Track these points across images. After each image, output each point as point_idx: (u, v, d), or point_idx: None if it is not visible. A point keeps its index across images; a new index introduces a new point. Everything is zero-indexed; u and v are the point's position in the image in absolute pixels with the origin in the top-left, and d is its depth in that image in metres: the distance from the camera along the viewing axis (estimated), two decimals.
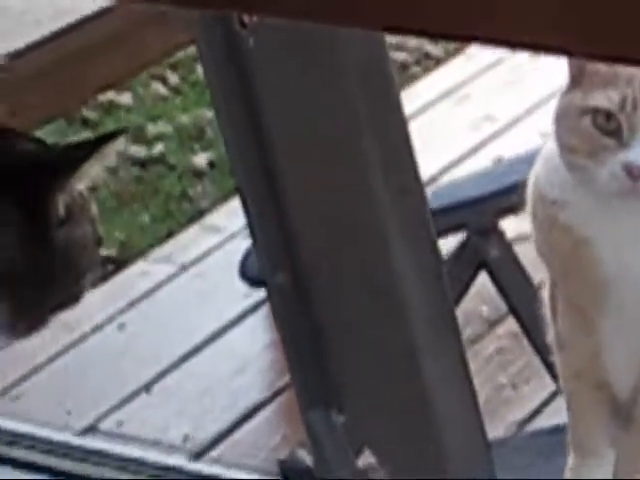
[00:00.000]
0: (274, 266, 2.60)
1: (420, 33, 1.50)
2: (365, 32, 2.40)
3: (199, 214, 4.74)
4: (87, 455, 2.03)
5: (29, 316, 1.64)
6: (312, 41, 2.48)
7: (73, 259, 1.65)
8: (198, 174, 5.04)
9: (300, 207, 2.60)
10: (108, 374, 3.97)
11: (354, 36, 2.45)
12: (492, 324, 3.83)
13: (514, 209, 2.79)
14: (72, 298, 1.67)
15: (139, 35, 3.55)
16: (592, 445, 2.53)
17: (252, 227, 2.61)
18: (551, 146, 2.37)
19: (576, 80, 2.27)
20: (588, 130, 2.24)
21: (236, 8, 1.92)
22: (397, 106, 2.64)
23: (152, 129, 5.25)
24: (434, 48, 5.51)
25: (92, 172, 1.63)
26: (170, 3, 1.58)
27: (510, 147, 4.36)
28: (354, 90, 2.54)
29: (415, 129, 2.69)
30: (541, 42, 1.40)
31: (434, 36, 1.87)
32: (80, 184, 1.63)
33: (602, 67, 2.22)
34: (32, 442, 2.09)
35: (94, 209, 1.70)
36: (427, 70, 5.48)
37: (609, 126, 2.22)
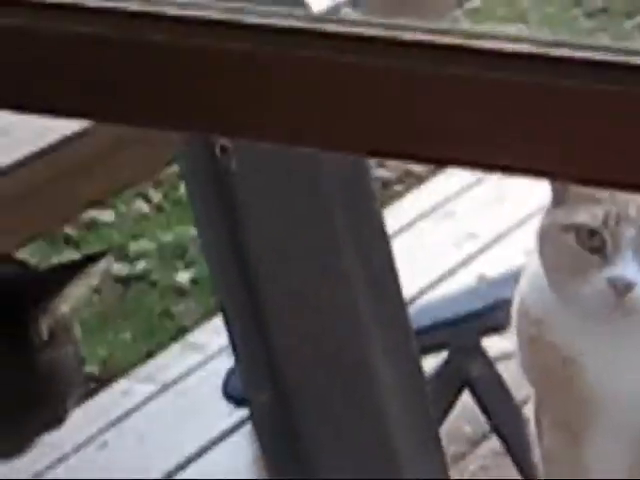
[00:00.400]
0: (257, 385, 2.65)
1: (404, 157, 1.56)
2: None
3: (181, 332, 4.74)
4: None
5: (14, 440, 1.63)
6: (293, 161, 2.54)
7: (57, 381, 1.63)
8: (180, 292, 5.05)
9: (282, 324, 2.62)
10: None
11: (335, 155, 2.48)
12: (475, 443, 3.77)
13: (497, 328, 2.87)
14: (56, 420, 1.66)
15: (121, 154, 3.52)
16: None
17: (234, 345, 2.70)
18: (535, 264, 2.42)
19: (558, 198, 2.31)
20: (572, 247, 2.28)
21: (214, 131, 1.96)
22: (379, 224, 2.72)
23: (134, 247, 5.28)
24: (416, 166, 5.45)
25: (76, 294, 1.62)
26: (151, 126, 1.66)
27: (493, 265, 4.37)
28: (335, 209, 2.60)
29: (398, 247, 2.76)
30: (523, 166, 1.43)
31: (419, 160, 1.91)
32: (64, 306, 1.62)
33: (582, 191, 2.27)
34: None
35: (77, 329, 1.69)
36: (409, 188, 5.49)
37: (593, 243, 2.25)
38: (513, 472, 3.26)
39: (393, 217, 4.60)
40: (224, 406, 3.43)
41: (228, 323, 2.69)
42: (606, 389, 2.38)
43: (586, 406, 2.43)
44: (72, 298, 1.62)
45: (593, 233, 2.24)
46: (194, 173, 2.70)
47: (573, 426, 2.48)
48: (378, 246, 2.66)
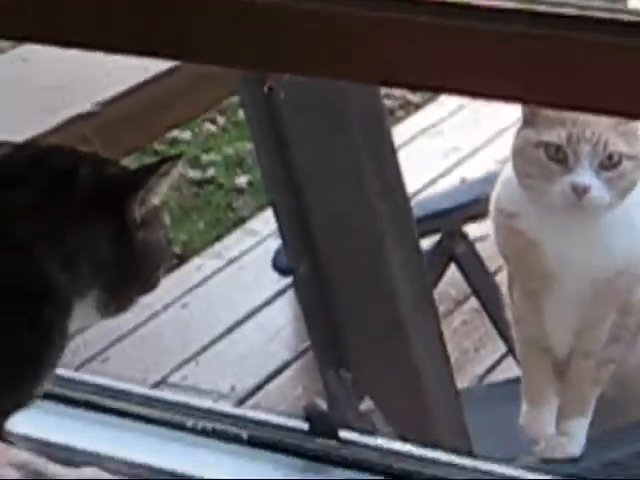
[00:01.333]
0: (298, 259, 2.60)
1: (406, 86, 1.53)
2: (365, 86, 2.45)
3: (241, 221, 4.83)
4: (158, 403, 1.99)
5: (118, 301, 1.57)
6: (326, 94, 2.48)
7: (151, 256, 1.58)
8: (240, 191, 5.12)
9: (317, 216, 2.58)
10: (174, 341, 4.02)
11: (357, 88, 2.48)
12: (459, 303, 3.88)
13: (475, 217, 2.90)
14: (151, 286, 1.59)
15: (197, 88, 3.54)
16: (540, 395, 2.50)
17: (281, 229, 2.66)
18: (508, 171, 2.36)
19: (528, 120, 2.25)
20: (541, 159, 2.21)
21: (265, 69, 1.95)
22: (390, 141, 2.68)
23: (205, 158, 5.34)
24: (414, 97, 5.59)
25: (159, 187, 1.55)
26: (217, 64, 1.64)
27: (473, 171, 4.41)
28: (356, 130, 2.55)
29: (400, 158, 2.71)
30: (498, 93, 1.43)
31: (416, 88, 1.82)
32: (153, 199, 1.55)
33: (552, 116, 2.22)
34: (116, 394, 2.03)
35: (165, 218, 1.62)
36: (408, 113, 5.57)
37: (558, 156, 2.19)
38: (488, 325, 3.27)
39: (396, 135, 4.59)
40: (273, 276, 3.41)
41: (276, 213, 2.65)
42: (562, 266, 2.34)
43: (546, 280, 2.38)
44: (156, 191, 1.55)
45: (558, 148, 2.18)
46: (250, 102, 2.62)
47: (537, 295, 2.42)
48: (389, 158, 2.63)
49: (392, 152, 2.64)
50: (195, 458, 1.90)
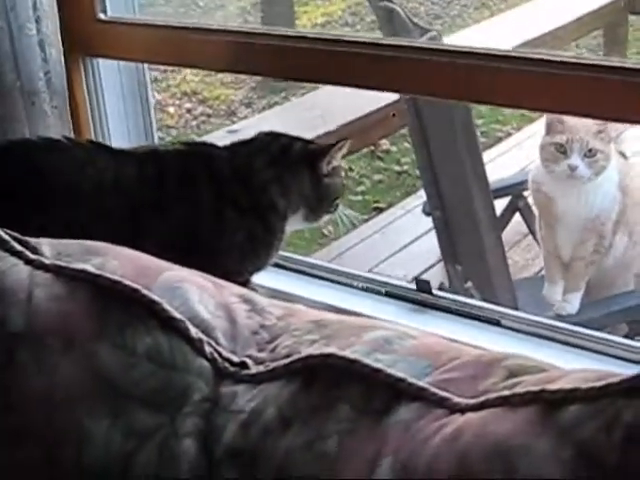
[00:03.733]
0: (434, 208, 2.54)
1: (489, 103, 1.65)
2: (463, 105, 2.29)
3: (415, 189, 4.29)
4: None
5: (314, 215, 1.54)
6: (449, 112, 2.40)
7: (332, 192, 1.54)
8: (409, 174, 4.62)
9: (443, 186, 2.50)
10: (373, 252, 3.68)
11: (458, 107, 2.34)
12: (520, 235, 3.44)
13: (525, 189, 2.68)
14: (333, 210, 1.56)
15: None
16: (554, 279, 2.51)
17: (427, 195, 2.58)
18: (536, 162, 2.38)
19: (547, 130, 2.29)
20: (553, 152, 2.27)
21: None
22: (477, 145, 2.57)
23: (402, 160, 4.79)
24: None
25: (337, 155, 1.52)
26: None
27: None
28: (460, 135, 2.45)
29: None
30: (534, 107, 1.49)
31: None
32: (334, 161, 1.53)
33: (559, 125, 2.23)
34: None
35: (341, 174, 1.57)
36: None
37: (562, 149, 2.25)
38: (536, 249, 2.96)
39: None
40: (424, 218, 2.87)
41: (424, 184, 2.53)
42: (564, 210, 2.39)
43: (556, 217, 2.41)
44: (336, 157, 1.52)
45: (561, 145, 2.24)
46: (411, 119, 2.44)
47: (551, 226, 2.44)
48: (478, 155, 2.49)
49: (479, 152, 2.52)
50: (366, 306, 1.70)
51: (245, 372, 0.94)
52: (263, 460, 0.86)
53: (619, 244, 2.41)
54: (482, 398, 0.82)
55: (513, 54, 1.36)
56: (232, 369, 0.95)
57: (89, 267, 1.02)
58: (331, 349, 0.90)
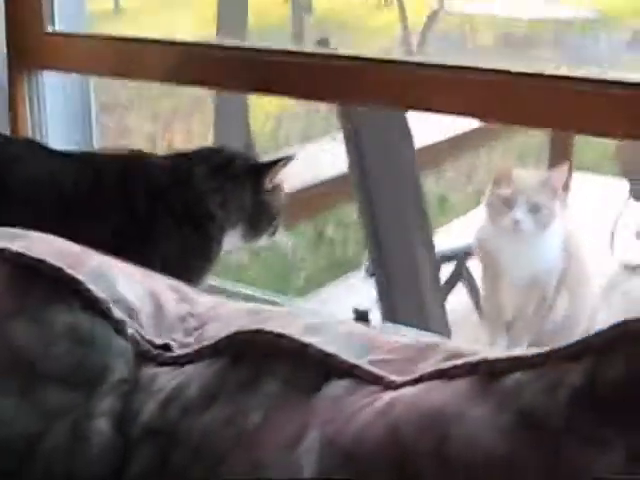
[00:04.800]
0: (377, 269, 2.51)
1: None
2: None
3: None
4: None
5: (253, 233, 1.52)
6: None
7: (271, 210, 1.53)
8: None
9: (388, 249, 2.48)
10: None
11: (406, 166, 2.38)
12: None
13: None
14: (272, 232, 1.56)
15: None
16: (494, 339, 2.47)
17: (371, 257, 2.53)
18: (482, 219, 2.37)
19: (495, 183, 2.26)
20: (499, 205, 2.25)
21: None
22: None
23: None
24: None
25: (279, 172, 1.52)
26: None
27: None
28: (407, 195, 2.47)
29: None
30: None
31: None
32: (275, 179, 1.53)
33: (505, 179, 2.22)
34: None
35: (282, 193, 1.55)
36: None
37: (507, 203, 2.23)
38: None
39: None
40: None
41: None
42: (507, 267, 2.37)
43: (500, 273, 2.40)
44: (278, 174, 1.52)
45: (507, 199, 2.22)
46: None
47: (495, 283, 2.43)
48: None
49: (426, 215, 2.53)
50: None
51: (168, 354, 0.91)
52: (181, 438, 0.82)
53: (560, 306, 2.41)
54: (418, 374, 0.78)
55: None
56: (155, 351, 0.92)
57: (12, 247, 0.99)
58: (259, 326, 0.86)
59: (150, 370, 0.90)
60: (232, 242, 1.52)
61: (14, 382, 0.89)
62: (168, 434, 0.83)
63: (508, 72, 1.33)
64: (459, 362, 0.76)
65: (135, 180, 1.43)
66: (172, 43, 1.57)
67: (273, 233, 1.57)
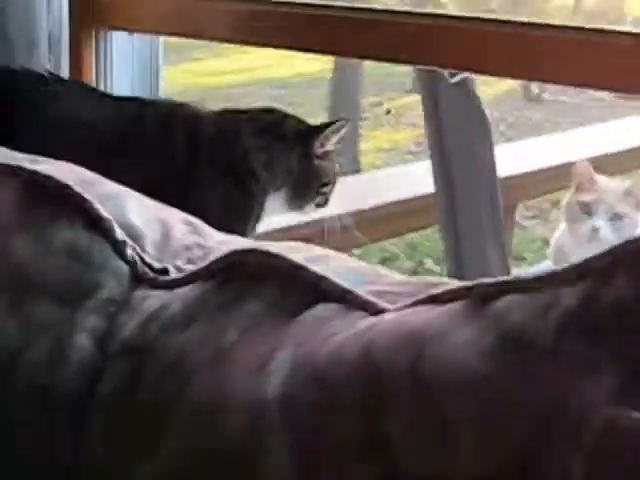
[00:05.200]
0: None
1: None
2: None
3: None
4: None
5: (298, 200, 1.48)
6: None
7: (320, 176, 1.48)
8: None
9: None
10: None
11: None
12: None
13: None
14: (323, 201, 1.51)
15: None
16: None
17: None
18: (562, 223, 2.25)
19: (576, 188, 2.15)
20: (578, 211, 2.14)
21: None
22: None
23: None
24: None
25: (332, 137, 1.48)
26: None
27: None
28: None
29: None
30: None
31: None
32: (328, 144, 1.48)
33: (588, 184, 2.12)
34: None
35: (334, 160, 1.50)
36: None
37: (586, 209, 2.12)
38: None
39: None
40: None
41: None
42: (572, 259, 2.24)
43: None
44: (330, 139, 1.48)
45: (587, 205, 2.10)
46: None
47: None
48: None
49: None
50: None
51: (163, 278, 0.88)
52: (155, 356, 0.79)
53: None
54: (410, 301, 0.72)
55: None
56: (151, 275, 0.89)
57: (27, 164, 0.98)
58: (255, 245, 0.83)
59: (143, 292, 0.87)
60: (275, 206, 1.48)
61: (6, 296, 0.87)
62: (143, 351, 0.81)
63: None
64: (453, 287, 0.70)
65: (178, 128, 1.40)
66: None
67: (323, 203, 1.52)
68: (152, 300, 0.85)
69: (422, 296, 0.71)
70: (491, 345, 0.62)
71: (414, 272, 4.80)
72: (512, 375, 0.60)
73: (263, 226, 1.47)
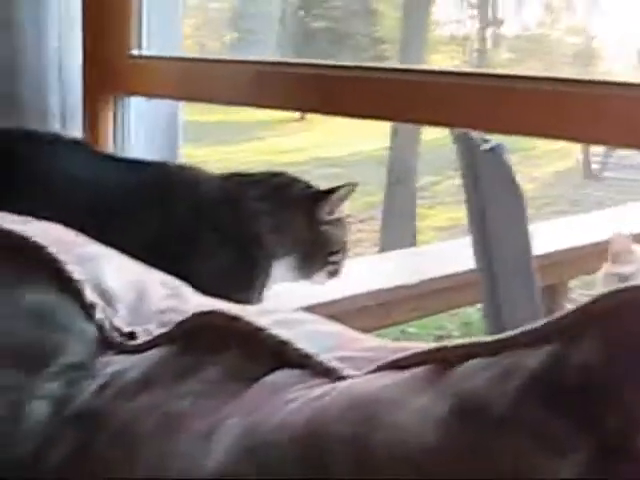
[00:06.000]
0: None
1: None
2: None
3: None
4: None
5: (305, 269, 1.41)
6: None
7: (328, 244, 1.42)
8: None
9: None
10: None
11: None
12: None
13: None
14: (333, 271, 1.44)
15: None
16: None
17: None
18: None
19: (613, 259, 2.07)
20: (616, 282, 2.04)
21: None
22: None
23: None
24: None
25: (339, 202, 1.43)
26: None
27: None
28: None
29: None
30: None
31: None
32: (337, 210, 1.43)
33: (627, 255, 2.04)
34: None
35: (347, 228, 1.46)
36: None
37: (625, 281, 2.03)
38: None
39: None
40: None
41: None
42: None
43: None
44: (338, 205, 1.43)
45: (626, 277, 2.01)
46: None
47: None
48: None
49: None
50: None
51: (130, 342, 0.85)
52: (107, 422, 0.75)
53: None
54: (374, 366, 0.67)
55: None
56: (119, 339, 0.86)
57: (4, 225, 0.96)
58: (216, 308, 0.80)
59: (108, 357, 0.84)
60: (283, 274, 1.41)
61: None
62: (96, 418, 0.77)
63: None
64: (416, 351, 0.64)
65: (181, 191, 1.36)
66: (268, 64, 1.49)
67: (334, 273, 1.46)
68: (115, 365, 0.82)
69: (384, 361, 0.66)
70: (447, 413, 0.56)
71: None
72: (465, 447, 0.54)
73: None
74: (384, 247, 6.76)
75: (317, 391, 0.65)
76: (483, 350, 0.59)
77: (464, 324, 5.15)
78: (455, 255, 2.78)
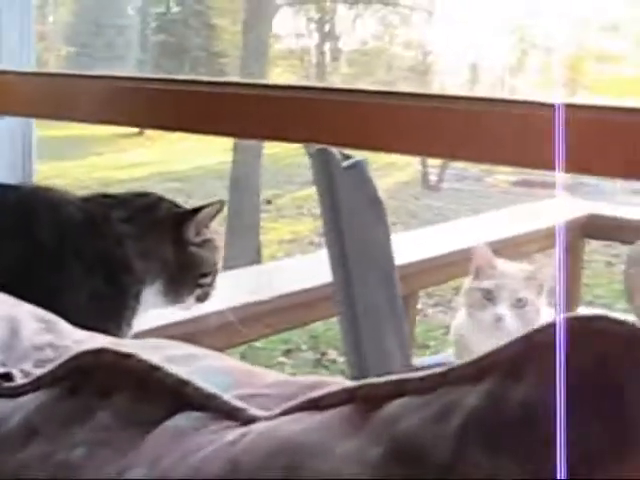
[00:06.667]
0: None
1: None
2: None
3: None
4: None
5: (175, 293, 1.35)
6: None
7: (197, 265, 1.36)
8: None
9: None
10: None
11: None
12: None
13: None
14: (203, 295, 1.39)
15: None
16: None
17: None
18: (462, 310, 2.16)
19: (476, 274, 2.06)
20: (480, 298, 2.05)
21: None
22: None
23: None
24: None
25: (206, 221, 1.37)
26: None
27: None
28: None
29: None
30: None
31: None
32: (204, 229, 1.38)
33: (489, 270, 2.03)
34: None
35: (217, 249, 1.40)
36: None
37: (489, 296, 2.03)
38: None
39: None
40: None
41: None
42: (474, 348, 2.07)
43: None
44: (205, 224, 1.36)
45: (489, 292, 2.02)
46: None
47: None
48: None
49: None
50: None
51: (7, 385, 0.77)
52: None
53: None
54: (287, 406, 0.62)
55: None
56: None
57: None
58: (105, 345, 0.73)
59: None
60: (152, 300, 1.33)
61: None
62: None
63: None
64: (335, 389, 0.60)
65: (42, 214, 1.26)
66: (121, 78, 1.42)
67: (203, 297, 1.39)
68: None
69: (300, 401, 0.61)
70: (379, 458, 0.52)
71: (317, 363, 4.75)
72: None
73: (142, 324, 1.34)
74: (228, 263, 6.69)
75: (229, 435, 0.60)
76: (412, 388, 0.55)
77: (311, 337, 5.16)
78: (303, 270, 2.80)
